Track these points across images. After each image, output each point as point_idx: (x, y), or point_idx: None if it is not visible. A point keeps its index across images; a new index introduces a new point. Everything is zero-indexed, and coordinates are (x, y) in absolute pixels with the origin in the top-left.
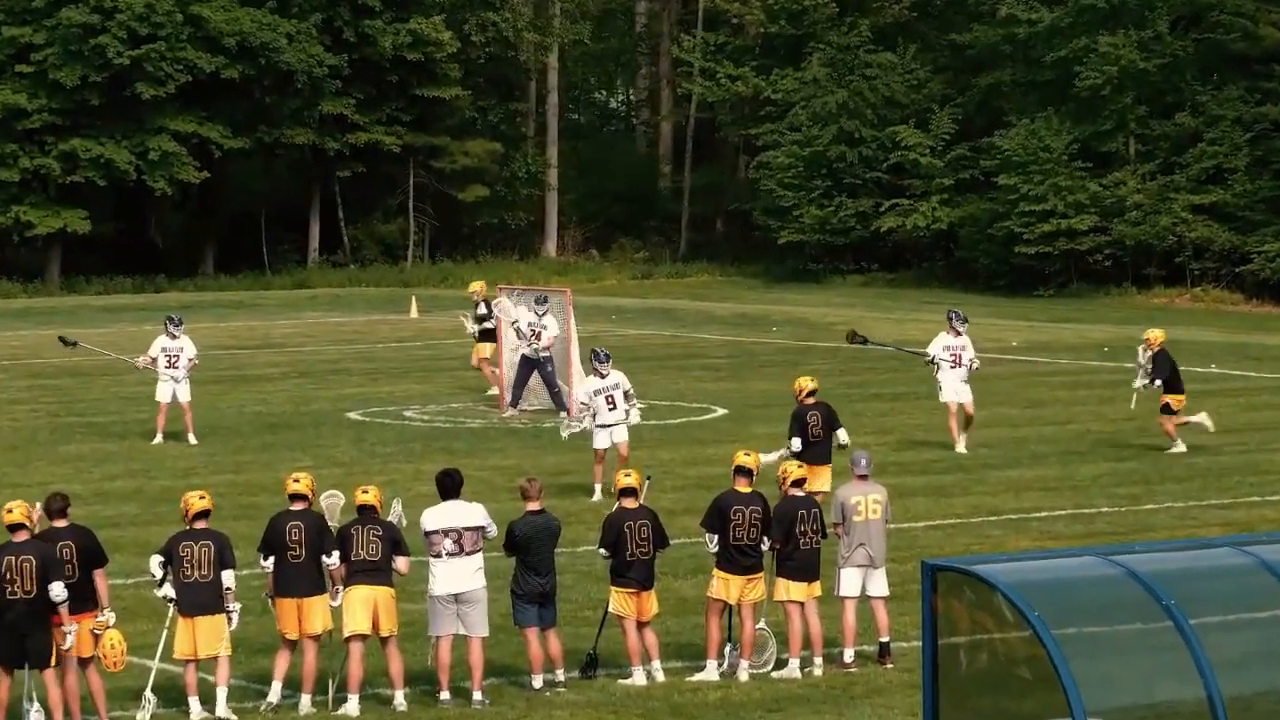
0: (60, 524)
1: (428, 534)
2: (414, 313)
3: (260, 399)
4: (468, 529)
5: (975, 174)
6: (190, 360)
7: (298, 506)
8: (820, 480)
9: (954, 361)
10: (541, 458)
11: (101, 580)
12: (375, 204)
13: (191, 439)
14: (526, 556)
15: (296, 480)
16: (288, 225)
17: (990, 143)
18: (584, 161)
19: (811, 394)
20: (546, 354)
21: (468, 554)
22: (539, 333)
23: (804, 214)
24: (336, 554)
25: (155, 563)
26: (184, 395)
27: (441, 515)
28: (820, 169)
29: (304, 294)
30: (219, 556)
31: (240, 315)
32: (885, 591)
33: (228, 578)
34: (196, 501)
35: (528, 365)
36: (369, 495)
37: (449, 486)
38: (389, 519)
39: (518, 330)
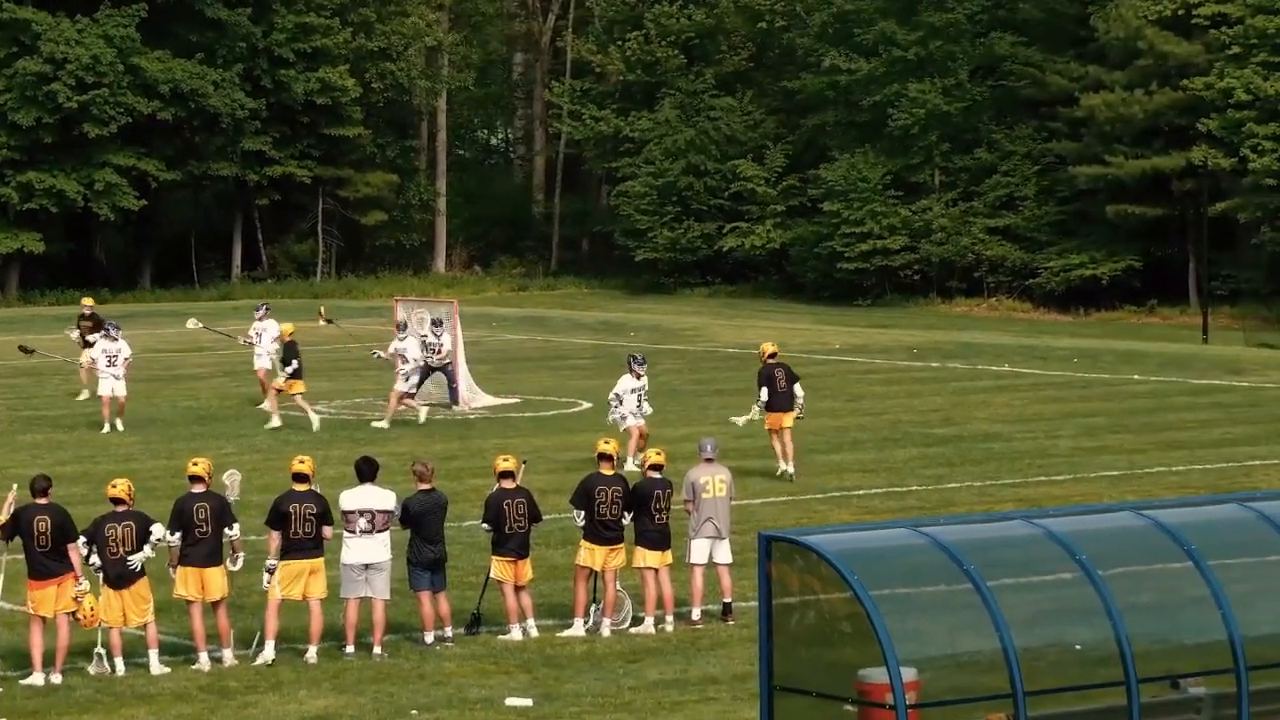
0: (41, 501)
1: (345, 512)
2: (322, 322)
3: (190, 395)
4: (380, 511)
5: (804, 201)
6: (126, 359)
7: (199, 488)
8: (786, 422)
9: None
10: (430, 445)
11: (74, 553)
12: (289, 227)
13: (119, 425)
14: (420, 529)
15: (195, 464)
16: (214, 246)
17: (816, 174)
18: (469, 190)
19: (773, 355)
20: (446, 362)
21: (379, 531)
22: (439, 349)
23: (657, 235)
24: (237, 526)
25: (80, 543)
26: (120, 391)
27: (359, 497)
28: (671, 197)
29: (228, 305)
30: (139, 534)
31: (173, 323)
32: (729, 559)
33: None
34: (112, 489)
35: (426, 369)
36: (304, 466)
37: (366, 472)
38: (227, 495)
39: (425, 344)
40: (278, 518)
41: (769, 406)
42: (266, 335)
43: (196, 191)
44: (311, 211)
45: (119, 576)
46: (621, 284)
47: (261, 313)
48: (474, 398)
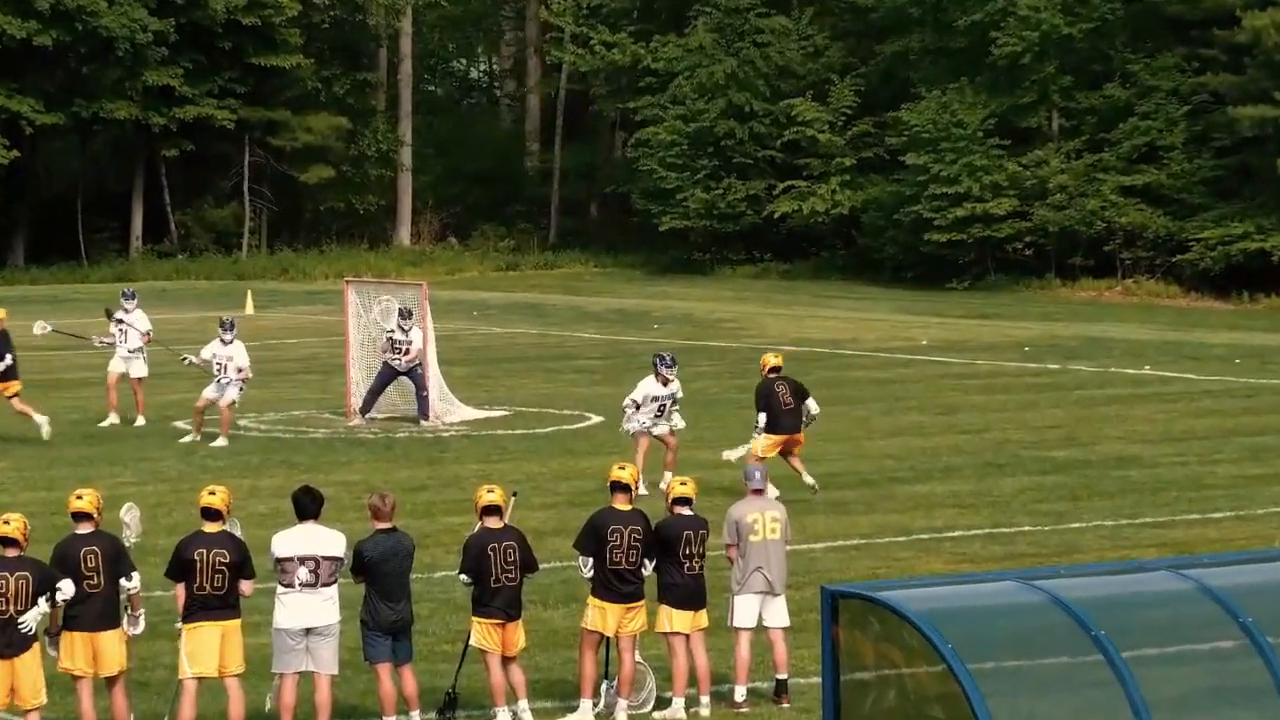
0: None
1: (280, 560)
2: (249, 309)
3: (76, 406)
4: (326, 558)
5: (880, 152)
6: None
7: (85, 528)
8: (796, 447)
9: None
10: (393, 471)
11: None
12: (206, 186)
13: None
14: (377, 582)
15: (80, 497)
16: (107, 211)
17: (896, 117)
18: (442, 139)
19: (775, 369)
20: (415, 364)
21: (323, 584)
22: (406, 349)
23: (689, 197)
24: (136, 577)
25: None
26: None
27: (297, 540)
28: (707, 147)
29: (125, 287)
30: (36, 587)
31: (54, 312)
32: (785, 621)
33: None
34: (1, 526)
35: (390, 373)
36: (216, 498)
37: (308, 507)
38: (124, 537)
39: (391, 340)
40: (180, 567)
41: (771, 428)
42: (134, 332)
43: (84, 139)
44: (235, 166)
45: (6, 644)
46: (642, 261)
47: (133, 304)
48: (449, 410)
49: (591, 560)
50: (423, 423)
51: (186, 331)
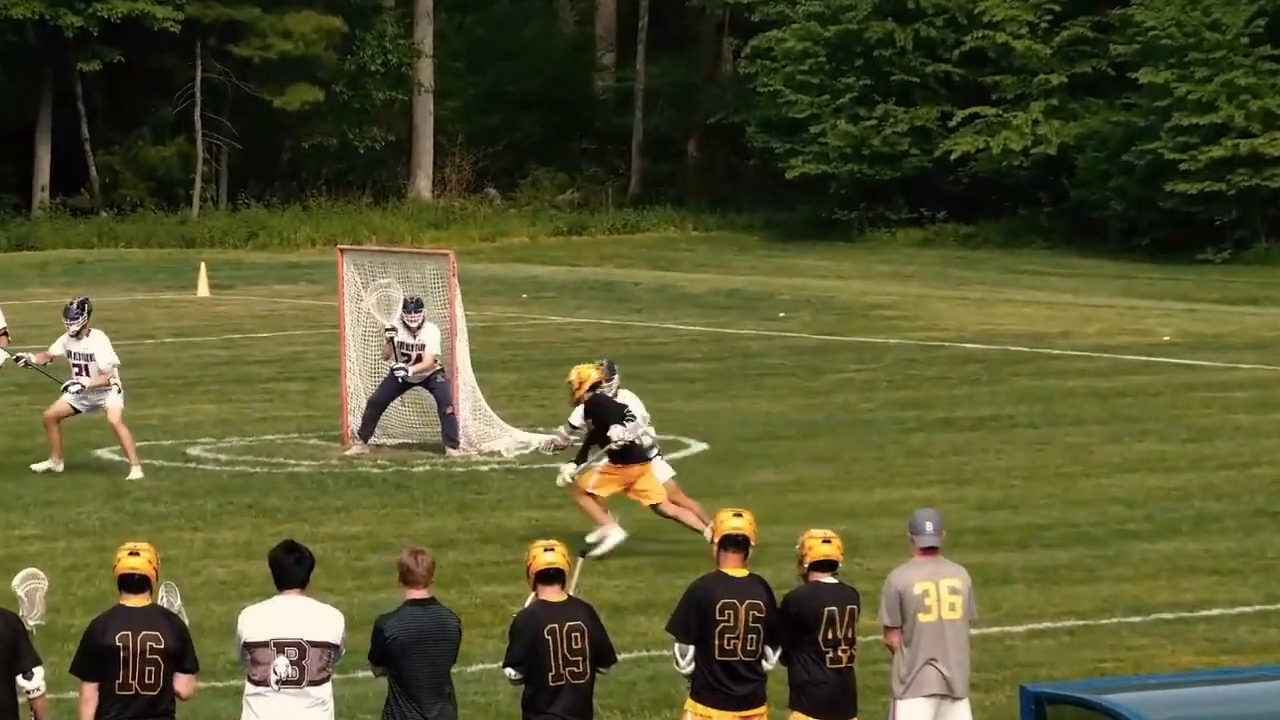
0: None
1: (250, 646)
2: (203, 289)
3: None
4: (315, 644)
5: (1101, 67)
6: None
7: None
8: (648, 483)
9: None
10: (409, 521)
11: None
12: (141, 116)
13: (136, 473)
14: (406, 675)
15: None
16: (0, 150)
17: (1125, 17)
18: (476, 47)
19: (595, 386)
20: (434, 372)
21: (311, 682)
22: (417, 354)
23: (828, 132)
24: (39, 672)
25: None
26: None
27: (277, 618)
28: (854, 59)
29: (27, 259)
30: None
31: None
32: None
33: None
34: None
35: (395, 385)
36: (139, 560)
37: (291, 572)
38: (23, 616)
39: (393, 343)
40: (93, 659)
41: (619, 457)
42: (101, 356)
43: None
44: (182, 86)
45: None
46: (761, 222)
47: (83, 319)
48: (487, 434)
49: (692, 649)
50: (450, 452)
51: (116, 322)
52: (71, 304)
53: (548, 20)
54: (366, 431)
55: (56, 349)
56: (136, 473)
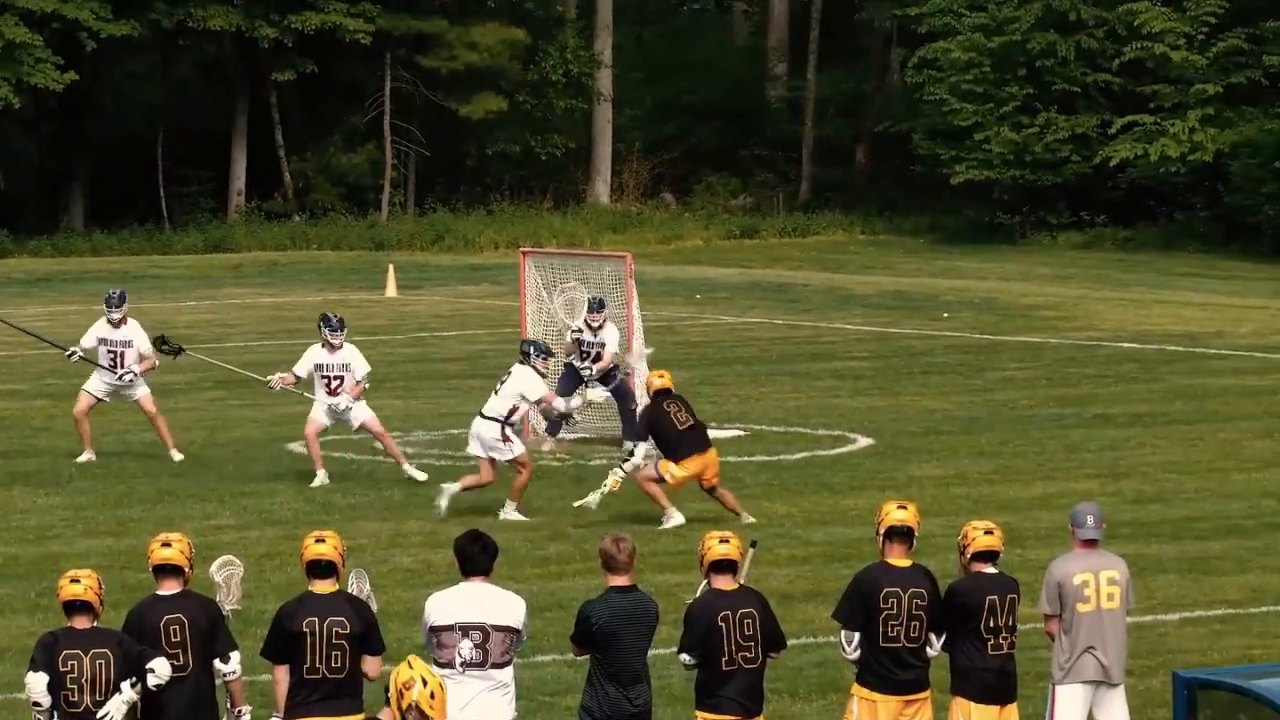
0: None
1: (436, 630)
2: (391, 290)
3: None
4: (498, 628)
5: (1256, 76)
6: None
7: (171, 588)
8: (711, 464)
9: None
10: (587, 513)
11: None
12: (333, 123)
13: (176, 456)
14: (610, 658)
15: (166, 544)
16: (198, 156)
17: (1278, 28)
18: (654, 59)
19: (664, 391)
20: (613, 370)
21: (494, 665)
22: (598, 353)
23: (992, 139)
24: (235, 656)
25: (37, 683)
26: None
27: (462, 603)
28: (1017, 69)
29: (224, 260)
30: (120, 668)
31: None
32: (1125, 719)
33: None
34: (70, 586)
35: (573, 382)
36: (325, 547)
37: (476, 560)
38: (220, 602)
39: (578, 342)
40: (283, 643)
41: (675, 453)
42: (138, 341)
43: (166, 59)
44: (372, 96)
45: None
46: (927, 225)
47: (125, 308)
48: None
49: (858, 636)
50: (629, 445)
51: (307, 322)
52: (113, 293)
53: (722, 33)
54: (554, 428)
55: (89, 341)
56: (176, 455)
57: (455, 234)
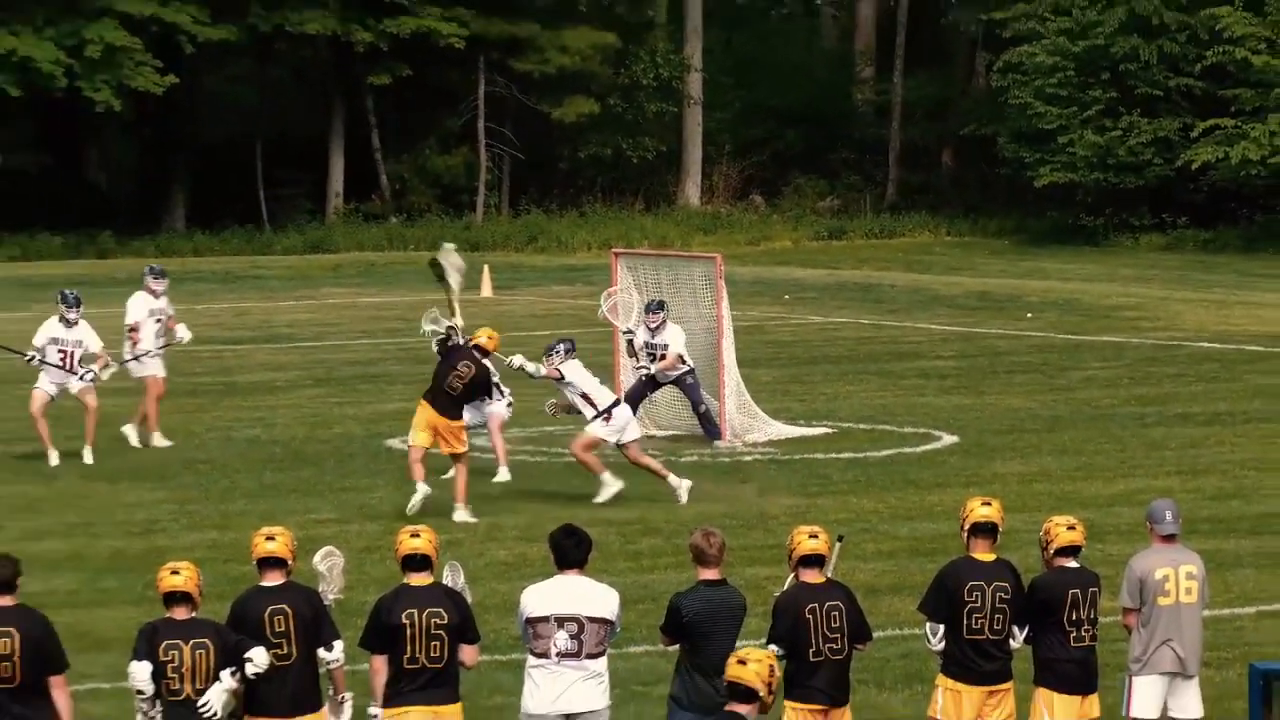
0: (5, 602)
1: (532, 622)
2: (486, 290)
3: (257, 419)
4: (592, 620)
5: None
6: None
7: (275, 579)
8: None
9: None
10: (678, 508)
11: (61, 692)
12: (428, 127)
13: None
14: (699, 649)
15: (270, 538)
16: (296, 159)
17: None
18: (743, 63)
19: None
20: (681, 371)
21: (589, 655)
22: (661, 354)
23: (1075, 141)
24: (339, 645)
25: (140, 672)
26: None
27: (556, 596)
28: (1100, 73)
29: (322, 261)
30: (220, 657)
31: (226, 293)
32: (1199, 712)
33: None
34: (170, 577)
35: (644, 382)
36: (420, 541)
37: (571, 553)
38: (322, 592)
39: (631, 344)
40: (380, 633)
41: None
42: (88, 341)
43: (264, 62)
44: (466, 99)
45: None
46: (1011, 228)
47: (80, 309)
48: (752, 426)
49: (943, 628)
50: (716, 443)
51: (405, 321)
52: (69, 294)
53: (810, 37)
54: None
55: (40, 339)
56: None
57: (549, 235)
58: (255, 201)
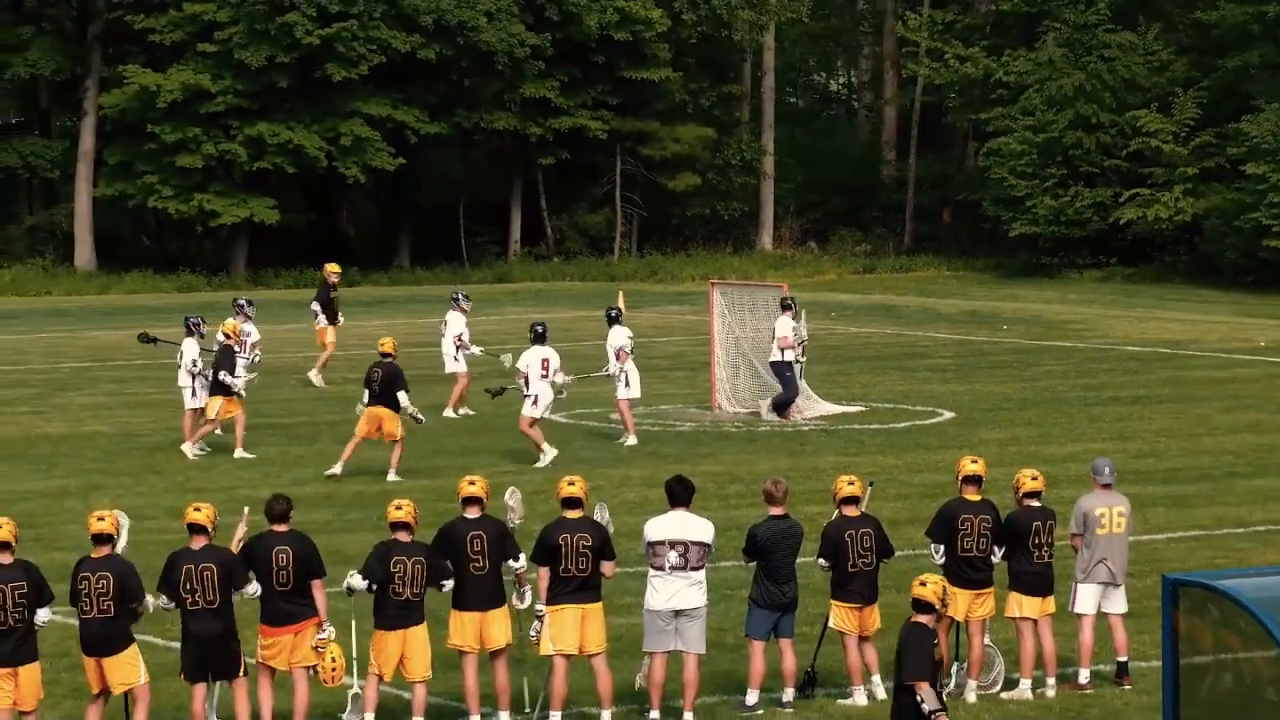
0: (280, 529)
1: (652, 544)
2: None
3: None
4: (695, 543)
5: (1221, 162)
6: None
7: (474, 513)
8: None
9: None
10: (755, 463)
11: (320, 592)
12: (580, 193)
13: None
14: (768, 564)
15: (472, 483)
16: (487, 216)
17: (1237, 129)
18: (802, 148)
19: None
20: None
21: (692, 569)
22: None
23: (1037, 204)
24: (523, 556)
25: (358, 581)
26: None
27: (669, 525)
28: (1055, 156)
29: (505, 288)
30: (432, 571)
31: (438, 310)
32: (1124, 609)
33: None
34: (395, 511)
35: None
36: (575, 488)
37: (680, 495)
38: (508, 519)
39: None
40: (546, 551)
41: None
42: (248, 342)
43: (465, 149)
44: (607, 174)
45: (404, 615)
46: (992, 265)
47: (252, 309)
48: (808, 405)
49: (943, 548)
50: (779, 417)
51: (563, 330)
52: (244, 302)
53: (849, 131)
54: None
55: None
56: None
57: (665, 270)
58: (458, 246)
